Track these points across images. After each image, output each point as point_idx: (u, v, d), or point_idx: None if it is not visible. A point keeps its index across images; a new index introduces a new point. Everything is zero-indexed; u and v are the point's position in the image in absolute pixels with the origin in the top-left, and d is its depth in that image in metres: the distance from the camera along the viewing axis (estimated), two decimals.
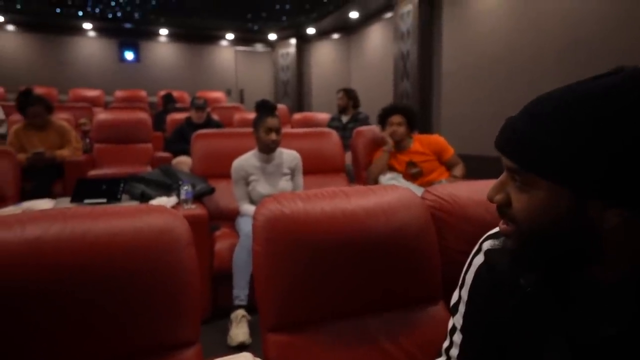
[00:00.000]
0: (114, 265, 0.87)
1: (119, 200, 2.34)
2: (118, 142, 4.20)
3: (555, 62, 3.86)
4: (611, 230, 0.54)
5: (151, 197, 2.34)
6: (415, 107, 5.53)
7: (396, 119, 2.85)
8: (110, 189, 2.39)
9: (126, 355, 0.90)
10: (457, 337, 0.81)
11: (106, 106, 6.69)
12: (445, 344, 0.85)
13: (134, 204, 2.27)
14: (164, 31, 9.04)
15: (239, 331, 2.10)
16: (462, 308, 0.81)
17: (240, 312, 2.15)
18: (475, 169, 3.00)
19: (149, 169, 3.74)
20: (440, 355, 0.86)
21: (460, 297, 0.82)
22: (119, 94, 7.45)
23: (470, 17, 4.97)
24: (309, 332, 1.06)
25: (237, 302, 2.18)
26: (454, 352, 0.81)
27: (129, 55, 8.91)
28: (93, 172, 3.67)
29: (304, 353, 1.04)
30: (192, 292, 0.96)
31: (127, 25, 8.60)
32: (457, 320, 0.82)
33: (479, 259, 0.78)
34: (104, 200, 2.32)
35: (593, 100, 0.52)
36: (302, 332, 1.06)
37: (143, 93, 7.63)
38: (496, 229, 0.78)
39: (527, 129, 0.56)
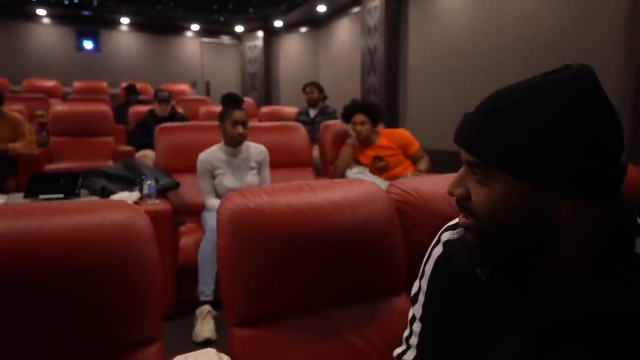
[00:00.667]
0: (69, 263, 0.84)
1: (77, 195, 2.26)
2: (77, 135, 4.04)
3: (516, 61, 3.99)
4: (565, 221, 0.56)
5: (112, 192, 2.27)
6: (382, 102, 5.60)
7: (359, 118, 2.87)
8: (67, 184, 2.30)
9: (84, 354, 0.88)
10: (417, 326, 0.83)
11: (64, 97, 6.41)
12: (406, 333, 0.86)
13: (94, 199, 2.20)
14: (125, 20, 8.73)
15: (205, 327, 2.07)
16: (421, 298, 0.83)
17: (206, 307, 2.12)
18: (441, 163, 3.07)
19: (110, 163, 3.62)
20: (400, 344, 0.87)
21: (420, 288, 0.84)
22: (77, 84, 7.12)
23: (436, 14, 5.06)
24: (275, 326, 1.06)
25: (202, 298, 2.15)
26: (414, 340, 0.83)
27: (88, 45, 8.55)
28: (50, 167, 3.52)
29: (270, 347, 1.04)
30: (153, 288, 0.94)
31: (86, 13, 8.25)
32: (416, 310, 0.84)
33: (438, 250, 0.80)
34: (61, 195, 2.23)
35: (547, 96, 0.54)
36: (268, 327, 1.05)
37: (104, 84, 7.34)
38: (455, 221, 0.80)
39: (487, 124, 0.58)
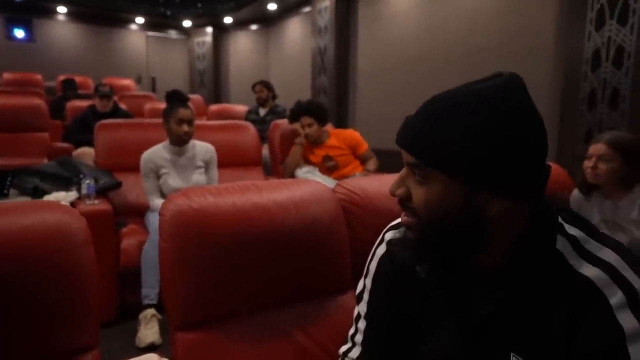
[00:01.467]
0: None
1: (5, 195, 2.11)
2: (7, 130, 3.75)
3: (460, 64, 4.17)
4: (496, 219, 0.60)
5: (46, 192, 2.14)
6: (332, 102, 5.66)
7: (306, 120, 2.88)
8: None
9: None
10: (362, 324, 0.85)
11: None
12: (351, 331, 0.88)
13: (25, 199, 2.06)
14: (62, 9, 8.20)
15: (149, 332, 2.00)
16: (366, 296, 0.85)
17: (150, 311, 2.06)
18: (389, 162, 3.14)
19: (45, 161, 3.40)
20: (346, 342, 0.89)
21: (364, 286, 0.86)
22: (7, 76, 6.58)
23: (384, 17, 5.17)
24: (220, 329, 1.04)
25: (146, 302, 2.08)
26: (359, 338, 0.85)
27: (19, 34, 7.94)
28: None
29: (215, 350, 1.02)
30: (90, 294, 0.91)
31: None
32: (361, 308, 0.86)
33: (382, 249, 0.83)
34: None
35: (481, 102, 0.58)
36: (213, 329, 1.04)
37: (38, 77, 6.84)
38: (397, 221, 0.83)
39: (425, 126, 0.61)
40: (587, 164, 1.80)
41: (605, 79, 2.90)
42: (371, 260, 0.85)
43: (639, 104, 2.75)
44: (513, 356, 0.62)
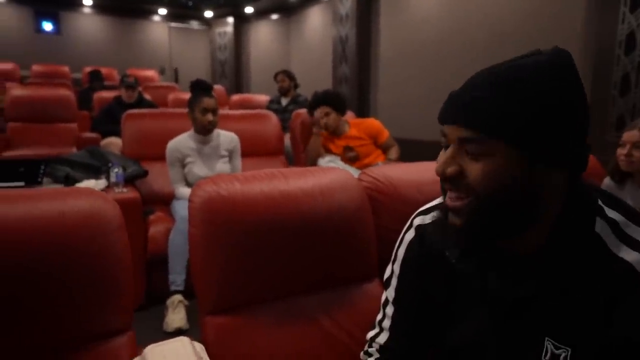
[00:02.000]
0: (34, 252, 0.82)
1: (39, 183, 2.17)
2: (37, 121, 3.87)
3: (483, 51, 4.07)
4: (549, 193, 0.60)
5: (77, 181, 2.19)
6: (353, 91, 5.62)
7: (322, 110, 2.85)
8: (29, 171, 2.21)
9: (55, 345, 0.87)
10: (390, 310, 0.85)
11: (22, 81, 6.12)
12: (379, 316, 0.88)
13: (58, 187, 2.13)
14: (87, 1, 8.34)
15: (176, 317, 2.05)
16: (394, 282, 0.85)
17: (177, 297, 2.10)
18: (410, 152, 3.12)
19: (74, 150, 3.49)
20: (373, 328, 0.89)
21: (392, 272, 0.86)
22: (36, 68, 6.76)
23: (406, 3, 5.09)
24: (248, 314, 1.06)
25: (173, 288, 2.12)
26: (387, 323, 0.85)
27: (48, 26, 8.12)
28: (8, 154, 3.37)
29: (243, 335, 1.04)
30: (124, 278, 0.94)
31: None
32: (389, 293, 0.86)
33: (410, 234, 0.83)
34: (22, 183, 2.14)
35: (536, 73, 0.58)
36: (241, 314, 1.05)
37: (65, 68, 7.01)
38: (426, 206, 0.83)
39: (487, 96, 0.58)
40: (621, 151, 1.75)
41: None
42: (399, 245, 0.85)
43: None
44: (547, 341, 0.62)
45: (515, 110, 0.57)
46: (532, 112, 0.56)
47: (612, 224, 0.61)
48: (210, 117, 2.34)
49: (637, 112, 2.81)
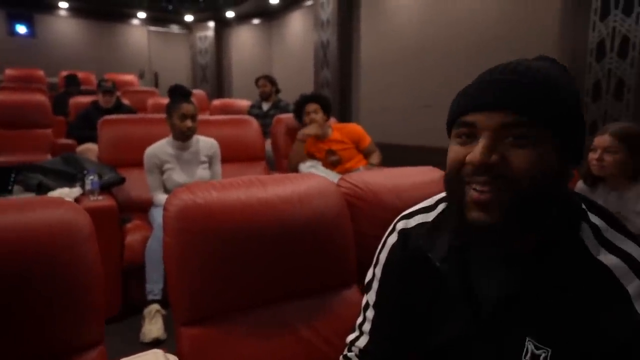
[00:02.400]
0: (0, 264, 0.78)
1: (9, 192, 2.11)
2: (10, 127, 3.76)
3: (463, 58, 4.14)
4: (565, 188, 0.64)
5: (50, 189, 2.14)
6: (335, 96, 5.64)
7: (311, 106, 2.91)
8: None
9: None
10: (370, 313, 0.85)
11: None
12: (359, 320, 0.88)
13: (29, 196, 2.07)
14: (63, 4, 8.18)
15: (153, 327, 2.01)
16: (375, 285, 0.85)
17: (154, 306, 2.06)
18: (391, 156, 3.14)
19: (49, 157, 3.40)
20: (353, 331, 0.89)
21: (374, 275, 0.86)
22: (10, 72, 6.57)
23: (387, 10, 5.14)
24: (225, 324, 1.04)
25: (150, 297, 2.08)
26: (367, 327, 0.85)
27: (21, 29, 7.90)
28: None
29: (220, 345, 1.02)
30: (95, 289, 0.91)
31: None
32: (370, 297, 0.86)
33: (393, 238, 0.82)
34: None
35: (564, 74, 0.64)
36: (218, 324, 1.03)
37: (40, 73, 6.84)
38: (409, 210, 0.83)
39: (541, 86, 0.59)
40: (593, 156, 1.79)
41: (610, 69, 2.88)
42: (382, 249, 0.85)
43: None
44: (528, 341, 0.62)
45: (562, 101, 0.60)
46: (572, 106, 0.61)
47: (594, 228, 0.63)
48: (189, 123, 2.31)
49: (609, 118, 2.90)
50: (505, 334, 0.64)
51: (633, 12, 2.74)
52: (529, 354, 0.62)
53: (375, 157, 2.95)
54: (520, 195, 0.58)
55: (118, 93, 4.35)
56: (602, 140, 1.77)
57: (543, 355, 0.60)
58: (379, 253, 0.85)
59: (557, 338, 0.60)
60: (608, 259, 0.59)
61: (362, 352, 0.85)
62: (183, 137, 2.35)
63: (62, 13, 8.36)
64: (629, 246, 0.60)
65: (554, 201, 0.61)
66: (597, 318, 0.57)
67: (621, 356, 0.56)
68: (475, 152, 0.59)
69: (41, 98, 4.03)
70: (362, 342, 0.85)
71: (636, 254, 0.59)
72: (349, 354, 0.88)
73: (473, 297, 0.68)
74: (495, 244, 0.64)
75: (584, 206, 0.65)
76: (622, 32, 2.80)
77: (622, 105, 2.85)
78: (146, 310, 2.07)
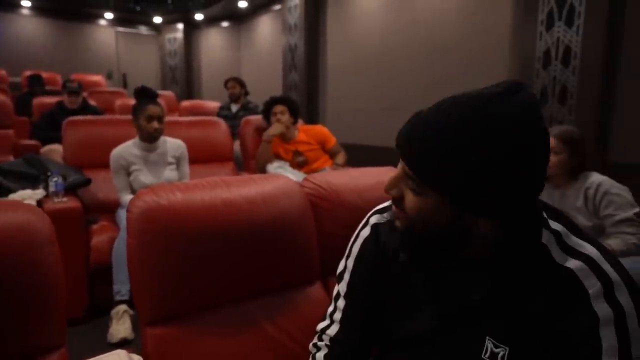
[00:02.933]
0: None
1: None
2: None
3: (423, 62, 4.26)
4: (481, 235, 0.64)
5: (11, 191, 2.09)
6: (302, 98, 5.69)
7: (278, 108, 2.95)
8: None
9: None
10: (341, 303, 0.88)
11: None
12: (330, 308, 0.91)
13: None
14: (26, 3, 7.92)
15: (121, 327, 1.99)
16: (346, 276, 0.88)
17: (122, 307, 2.05)
18: (356, 156, 3.20)
19: (11, 158, 3.31)
20: (324, 319, 0.92)
21: (346, 266, 0.89)
22: None
23: (352, 16, 5.23)
24: (190, 323, 1.05)
25: (118, 298, 2.06)
26: (337, 316, 0.88)
27: None
28: None
29: (185, 344, 1.03)
30: (55, 293, 0.90)
31: None
32: (341, 287, 0.89)
33: (366, 231, 0.86)
34: None
35: (491, 135, 0.57)
36: (182, 324, 1.04)
37: (2, 72, 6.63)
38: (382, 205, 0.87)
39: (425, 145, 0.61)
40: None
41: (555, 76, 3.05)
42: (354, 241, 0.88)
43: (584, 100, 2.91)
44: (488, 340, 0.66)
45: (449, 169, 0.59)
46: (466, 172, 0.58)
47: (556, 234, 0.66)
48: (155, 124, 2.30)
49: (554, 120, 3.06)
50: (466, 333, 0.68)
51: (574, 24, 2.91)
52: (488, 352, 0.66)
53: (341, 158, 3.01)
54: (411, 228, 0.68)
55: (85, 94, 4.26)
56: None
57: (501, 353, 0.65)
58: (352, 245, 0.89)
59: (516, 337, 0.64)
60: (571, 262, 0.62)
61: (332, 340, 0.88)
62: (150, 138, 2.34)
63: (25, 12, 8.09)
64: (588, 249, 0.64)
65: (449, 242, 0.66)
66: (557, 319, 0.61)
67: (577, 353, 0.59)
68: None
69: (2, 98, 3.90)
70: (333, 330, 0.88)
71: (595, 256, 0.62)
72: (319, 343, 0.90)
73: (437, 296, 0.72)
74: (406, 251, 0.73)
75: (545, 215, 0.68)
76: (565, 42, 2.97)
77: (565, 109, 3.02)
78: (113, 311, 2.05)
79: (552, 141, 1.86)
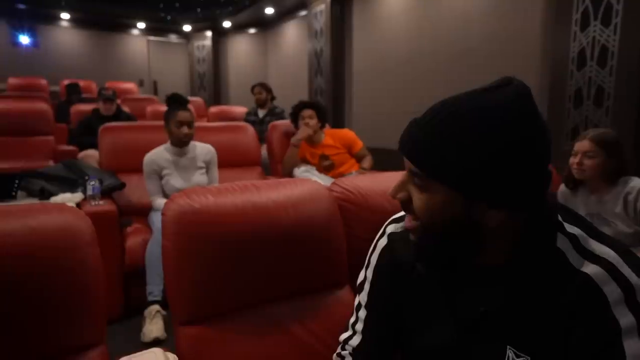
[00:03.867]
0: (5, 268, 0.81)
1: (13, 197, 2.16)
2: (14, 134, 3.79)
3: (449, 66, 4.22)
4: (493, 228, 0.63)
5: (52, 194, 2.18)
6: (328, 103, 5.72)
7: (307, 112, 2.97)
8: (3, 186, 2.19)
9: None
10: (362, 313, 0.88)
11: None
12: (352, 319, 0.91)
13: (32, 201, 2.12)
14: (65, 15, 8.28)
15: (153, 327, 2.05)
16: (367, 286, 0.88)
17: (155, 307, 2.10)
18: (383, 160, 3.19)
19: (51, 163, 3.45)
20: (346, 330, 0.92)
21: (365, 277, 0.89)
22: (13, 81, 6.65)
23: (377, 20, 5.22)
24: (221, 324, 1.07)
25: (150, 298, 2.12)
26: (359, 326, 0.89)
27: (24, 40, 8.01)
28: None
29: (217, 344, 1.05)
30: (96, 292, 0.93)
31: (21, 6, 7.75)
32: (362, 297, 0.89)
33: (383, 241, 0.86)
34: None
35: (487, 119, 0.59)
36: (214, 324, 1.06)
37: (43, 81, 6.93)
38: (398, 215, 0.87)
39: (429, 140, 0.62)
40: (573, 160, 1.85)
41: (590, 77, 2.95)
42: (372, 252, 0.88)
43: (622, 101, 2.80)
44: (509, 349, 0.65)
45: (447, 154, 0.60)
46: (464, 157, 0.59)
47: (573, 238, 0.64)
48: (185, 130, 2.36)
49: (590, 123, 2.96)
50: (487, 342, 0.67)
51: (611, 23, 2.81)
52: None
53: (367, 162, 3.00)
54: (423, 229, 0.67)
55: (118, 101, 4.41)
56: (581, 145, 1.83)
57: None
58: (370, 255, 0.89)
59: (537, 346, 0.62)
60: (589, 268, 0.60)
61: (355, 350, 0.88)
62: (180, 143, 2.40)
63: (64, 24, 8.44)
64: (607, 253, 0.61)
65: (463, 239, 0.65)
66: (576, 327, 0.59)
67: None
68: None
69: (44, 106, 4.07)
70: (355, 341, 0.88)
71: (615, 260, 0.60)
72: (343, 352, 0.91)
73: (455, 307, 0.71)
74: (422, 261, 0.73)
75: (560, 218, 0.66)
76: (601, 42, 2.88)
77: (601, 111, 2.91)
78: (147, 311, 2.10)
79: (587, 144, 1.81)
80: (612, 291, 0.58)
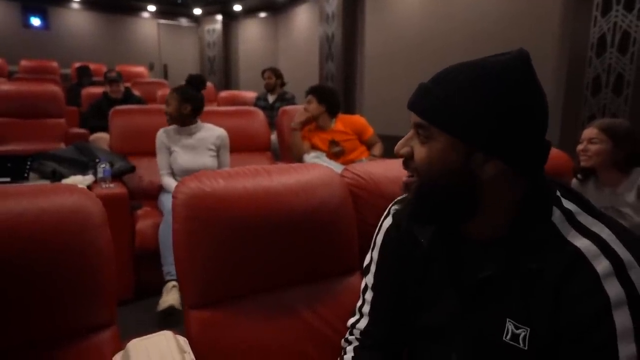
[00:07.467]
0: (15, 249, 0.82)
1: (26, 179, 2.18)
2: (24, 116, 3.82)
3: (465, 48, 4.15)
4: (490, 181, 0.64)
5: (64, 176, 2.20)
6: (339, 89, 5.66)
7: (307, 97, 2.94)
8: (15, 167, 2.21)
9: (37, 341, 0.87)
10: (369, 295, 0.89)
11: (10, 76, 6.05)
12: (359, 303, 0.92)
13: (44, 183, 2.13)
14: None
15: (170, 297, 2.07)
16: (373, 268, 0.89)
17: (172, 283, 2.14)
18: (394, 148, 3.16)
19: (62, 146, 3.47)
20: (354, 315, 0.93)
21: (372, 258, 0.90)
22: (24, 63, 6.68)
23: (390, 3, 5.14)
24: (231, 308, 1.07)
25: (168, 278, 2.16)
26: (366, 309, 0.89)
27: (36, 22, 8.03)
28: None
29: (227, 328, 1.05)
30: (106, 273, 0.94)
31: None
32: (368, 279, 0.90)
33: (388, 221, 0.87)
34: (8, 179, 2.14)
35: (490, 74, 0.63)
36: (224, 308, 1.07)
37: (54, 64, 6.94)
38: (403, 196, 0.86)
39: (434, 89, 0.66)
40: (579, 147, 1.83)
41: (610, 64, 2.88)
42: (378, 232, 0.89)
43: None
44: (509, 321, 0.66)
45: (453, 102, 0.64)
46: (468, 104, 0.62)
47: (567, 213, 0.65)
48: (164, 107, 2.43)
49: (607, 112, 2.89)
50: (487, 316, 0.68)
51: (635, 8, 2.73)
52: (509, 334, 0.65)
53: (378, 149, 2.97)
54: (421, 184, 0.69)
55: (128, 84, 4.41)
56: (588, 132, 1.82)
57: (522, 334, 0.64)
58: (376, 236, 0.89)
59: (534, 318, 0.63)
60: (579, 241, 0.62)
61: (363, 333, 0.88)
62: (172, 121, 2.45)
63: (75, 6, 8.43)
64: (600, 229, 0.63)
65: (459, 191, 0.66)
66: (566, 298, 0.60)
67: (591, 337, 0.58)
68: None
69: (55, 89, 4.08)
70: (362, 323, 0.89)
71: (606, 236, 0.61)
72: (350, 337, 0.91)
73: (458, 279, 0.72)
74: (415, 218, 0.75)
75: (558, 193, 0.68)
76: (623, 28, 2.79)
77: (620, 100, 2.84)
78: (165, 287, 2.14)
79: (593, 131, 1.79)
80: (601, 265, 0.59)
